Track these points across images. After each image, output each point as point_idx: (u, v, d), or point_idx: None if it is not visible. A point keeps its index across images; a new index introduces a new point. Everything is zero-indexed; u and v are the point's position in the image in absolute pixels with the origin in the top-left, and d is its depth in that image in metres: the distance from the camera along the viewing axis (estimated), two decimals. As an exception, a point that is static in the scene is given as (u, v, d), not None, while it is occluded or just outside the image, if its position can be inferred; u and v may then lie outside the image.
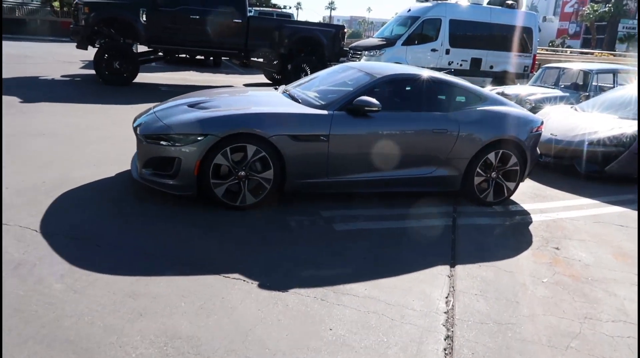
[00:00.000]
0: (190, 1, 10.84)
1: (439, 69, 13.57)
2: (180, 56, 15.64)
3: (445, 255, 3.76)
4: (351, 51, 14.06)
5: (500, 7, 14.46)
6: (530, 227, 4.53)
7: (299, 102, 4.55)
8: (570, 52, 42.58)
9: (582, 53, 38.61)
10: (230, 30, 11.23)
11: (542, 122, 5.20)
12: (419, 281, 3.31)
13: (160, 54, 11.65)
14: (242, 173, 4.09)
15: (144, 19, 10.49)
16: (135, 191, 4.37)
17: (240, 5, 11.25)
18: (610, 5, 66.72)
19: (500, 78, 14.15)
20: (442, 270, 3.50)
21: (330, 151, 4.26)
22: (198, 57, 16.16)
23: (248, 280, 3.08)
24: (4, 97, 7.73)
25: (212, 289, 2.94)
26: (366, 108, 4.28)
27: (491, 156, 4.81)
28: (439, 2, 14.17)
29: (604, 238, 4.36)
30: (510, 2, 14.72)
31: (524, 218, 4.77)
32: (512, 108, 5.08)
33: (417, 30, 13.57)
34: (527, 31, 14.53)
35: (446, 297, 3.14)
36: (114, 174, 4.79)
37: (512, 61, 14.41)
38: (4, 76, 9.82)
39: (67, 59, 14.83)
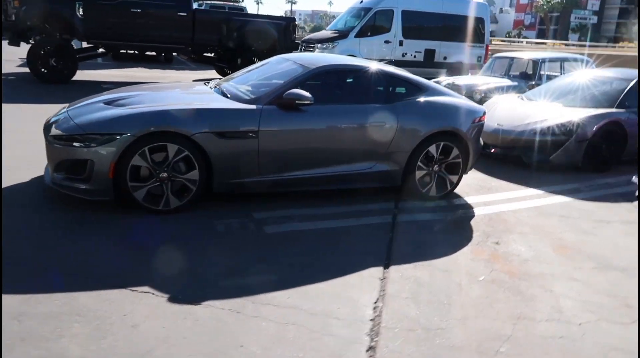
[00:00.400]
0: (132, -6, 10.33)
1: (395, 62, 13.64)
2: (128, 52, 15.05)
3: (381, 256, 3.56)
4: (304, 44, 13.80)
5: (451, -2, 14.45)
6: (472, 221, 4.39)
7: (228, 97, 4.26)
8: (527, 43, 43.63)
9: (536, 43, 39.59)
10: (174, 24, 10.76)
11: (484, 113, 5.08)
12: (349, 286, 3.09)
13: (102, 50, 11.06)
14: (164, 175, 3.78)
15: (81, 13, 9.91)
16: (50, 198, 3.99)
17: (184, -3, 10.80)
18: (562, -4, 68.58)
19: (454, 69, 14.15)
20: (375, 273, 3.30)
21: (260, 148, 4.00)
22: (148, 53, 15.56)
23: (158, 293, 2.79)
24: None
25: (113, 305, 2.64)
26: (297, 102, 4.03)
27: (432, 149, 4.64)
28: (391, -8, 14.04)
29: (545, 230, 4.26)
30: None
31: (467, 212, 4.63)
32: (454, 98, 4.93)
33: (370, 22, 13.41)
34: (479, 21, 14.59)
35: (375, 303, 2.93)
36: (29, 179, 4.39)
37: (466, 51, 14.45)
38: None
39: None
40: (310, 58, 4.74)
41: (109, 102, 4.07)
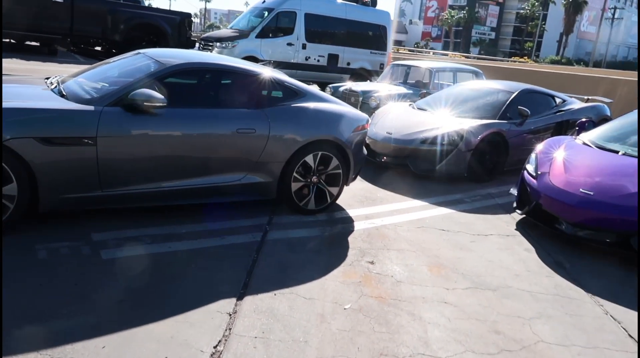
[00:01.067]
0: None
1: (298, 66, 13.33)
2: (3, 40, 13.37)
3: (238, 283, 3.09)
4: (202, 42, 13.06)
5: (355, 4, 14.46)
6: (350, 237, 4.07)
7: (64, 96, 3.57)
8: (433, 54, 45.81)
9: (443, 54, 41.64)
10: (48, 11, 9.66)
11: (367, 121, 4.82)
12: (188, 326, 2.59)
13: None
14: (-32, 190, 3.04)
15: None
16: None
17: (62, -18, 9.68)
18: (464, 12, 73.42)
19: (357, 75, 14.14)
20: (225, 305, 2.82)
21: (100, 156, 3.36)
22: (29, 43, 13.93)
23: None
24: None
25: None
26: (146, 103, 3.45)
27: (309, 159, 4.27)
28: (294, -6, 13.74)
29: (423, 246, 4.04)
30: (365, -1, 14.83)
31: (346, 226, 4.31)
32: (334, 105, 4.60)
33: (272, 23, 12.97)
34: (382, 29, 14.72)
35: (215, 346, 2.45)
36: None
37: (369, 58, 14.51)
38: None
39: None
40: (170, 54, 4.16)
41: None
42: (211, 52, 12.44)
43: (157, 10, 11.90)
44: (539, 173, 4.71)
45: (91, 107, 3.37)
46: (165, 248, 3.42)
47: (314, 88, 4.75)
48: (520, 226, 4.76)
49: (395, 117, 6.82)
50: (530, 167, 4.90)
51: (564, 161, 4.70)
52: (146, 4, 18.28)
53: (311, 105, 4.38)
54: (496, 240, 4.36)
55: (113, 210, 3.71)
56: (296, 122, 4.19)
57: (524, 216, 4.78)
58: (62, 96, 3.58)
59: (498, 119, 6.51)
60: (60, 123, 3.23)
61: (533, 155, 5.07)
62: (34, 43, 14.11)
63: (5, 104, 3.14)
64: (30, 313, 2.50)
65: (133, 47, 10.51)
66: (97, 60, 12.47)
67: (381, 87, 9.61)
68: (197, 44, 13.52)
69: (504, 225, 4.76)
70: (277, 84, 4.32)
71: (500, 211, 5.16)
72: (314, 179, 4.37)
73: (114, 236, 3.45)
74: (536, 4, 69.50)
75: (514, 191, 5.08)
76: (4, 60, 12.67)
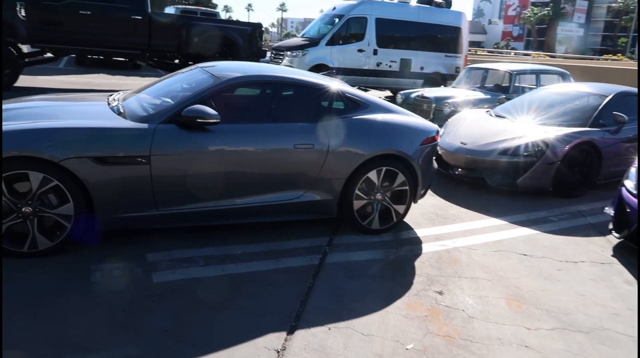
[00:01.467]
0: (80, -6, 9.61)
1: (370, 72, 13.03)
2: (93, 57, 14.28)
3: (290, 314, 2.85)
4: (273, 52, 13.14)
5: (428, 6, 13.92)
6: (417, 261, 3.70)
7: (121, 114, 3.54)
8: (515, 54, 43.60)
9: (525, 54, 39.50)
10: (128, 28, 10.06)
11: (437, 132, 4.42)
12: (232, 364, 2.38)
13: (50, 54, 10.29)
14: (28, 209, 3.06)
15: (23, 14, 9.16)
16: None
17: (139, 0, 10.09)
18: (548, 8, 69.33)
19: (432, 79, 13.57)
20: (274, 341, 2.59)
21: (154, 175, 3.28)
22: (116, 59, 14.80)
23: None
24: None
25: None
26: (199, 120, 3.32)
27: (372, 175, 3.96)
28: (365, -1, 13.48)
29: (500, 274, 3.59)
30: (439, 0, 14.22)
31: (413, 248, 3.95)
32: (399, 116, 4.26)
33: (342, 30, 12.78)
34: (456, 31, 14.06)
35: (258, 391, 2.22)
36: None
37: (443, 61, 13.89)
38: None
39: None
40: (227, 68, 4.02)
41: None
42: (282, 61, 12.49)
43: (229, 22, 12.14)
44: (640, 190, 4.06)
45: (145, 125, 3.30)
46: (218, 270, 3.26)
47: (379, 98, 4.43)
48: (618, 252, 4.13)
49: (470, 125, 6.32)
50: (629, 183, 4.25)
51: (673, 177, 4.02)
52: (227, 16, 18.86)
53: (374, 117, 4.07)
54: (589, 269, 3.79)
55: (169, 229, 3.62)
56: (358, 136, 3.90)
57: (622, 240, 4.15)
58: (120, 113, 3.55)
59: (589, 127, 5.81)
60: (113, 142, 3.18)
61: (633, 169, 4.40)
62: (121, 59, 15.02)
63: (60, 124, 3.15)
64: (71, 341, 2.41)
65: (207, 59, 10.83)
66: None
67: (456, 92, 9.08)
68: (268, 54, 13.65)
69: (599, 250, 4.15)
70: (337, 95, 4.05)
71: (593, 232, 4.54)
72: (378, 196, 4.05)
73: (168, 257, 3.35)
74: (631, -4, 64.09)
75: (609, 210, 4.44)
76: (92, 75, 13.55)
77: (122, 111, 3.59)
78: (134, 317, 2.68)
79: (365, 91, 14.91)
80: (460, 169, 5.78)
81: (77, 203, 3.13)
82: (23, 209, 3.05)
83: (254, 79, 3.83)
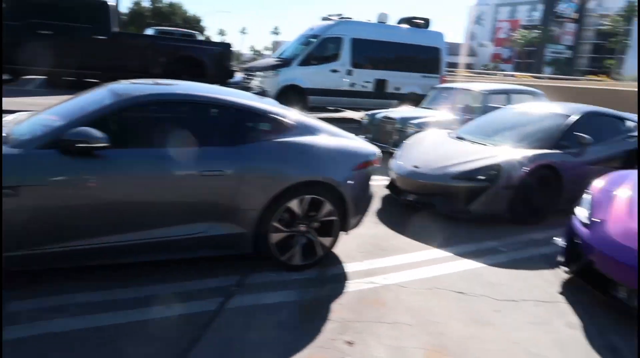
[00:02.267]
0: (40, 14, 9.33)
1: (343, 92, 12.75)
2: (65, 78, 13.98)
3: (159, 374, 2.42)
4: (245, 72, 12.87)
5: (406, 27, 13.74)
6: (336, 303, 3.28)
7: (6, 138, 3.14)
8: (504, 75, 43.81)
9: (510, 75, 39.65)
10: (89, 49, 9.80)
11: (374, 156, 4.05)
12: None
13: (7, 76, 9.97)
14: None
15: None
16: None
17: (102, 19, 9.84)
18: (538, 31, 70.20)
19: (408, 100, 13.29)
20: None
21: (25, 209, 2.87)
22: (88, 80, 14.52)
23: None
24: None
25: None
26: (79, 144, 2.93)
27: (294, 205, 3.57)
28: (342, 20, 13.28)
29: (427, 318, 3.16)
30: (418, 20, 14.04)
31: (337, 287, 3.52)
32: (331, 138, 3.88)
33: (317, 50, 12.53)
34: (434, 51, 13.84)
35: None
36: None
37: (420, 82, 13.64)
38: None
39: None
40: (134, 87, 3.65)
41: None
42: (252, 81, 12.20)
43: (197, 42, 11.91)
44: (593, 220, 3.67)
45: (15, 151, 2.90)
46: (89, 321, 2.81)
47: (315, 119, 4.07)
48: (567, 288, 3.73)
49: (427, 147, 5.96)
50: (581, 212, 3.87)
51: (629, 205, 3.65)
52: (219, 39, 18.71)
53: (300, 140, 3.69)
54: (530, 309, 3.37)
55: (45, 270, 3.18)
56: (277, 162, 3.52)
57: (572, 275, 3.75)
58: (4, 137, 3.16)
59: (551, 149, 5.46)
60: (-28, 171, 2.78)
61: (587, 196, 4.02)
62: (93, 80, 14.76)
63: None
64: None
65: (175, 79, 10.54)
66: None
67: (423, 113, 8.76)
68: (238, 75, 13.38)
69: (545, 286, 3.75)
70: (260, 116, 3.68)
71: (543, 265, 4.13)
72: (302, 228, 3.65)
73: (36, 306, 2.90)
74: (620, 19, 64.94)
75: (559, 240, 4.05)
76: (59, 96, 13.22)
77: (6, 134, 3.19)
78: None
79: (338, 111, 14.63)
80: (410, 196, 5.40)
81: None
82: None
83: (157, 98, 3.44)
